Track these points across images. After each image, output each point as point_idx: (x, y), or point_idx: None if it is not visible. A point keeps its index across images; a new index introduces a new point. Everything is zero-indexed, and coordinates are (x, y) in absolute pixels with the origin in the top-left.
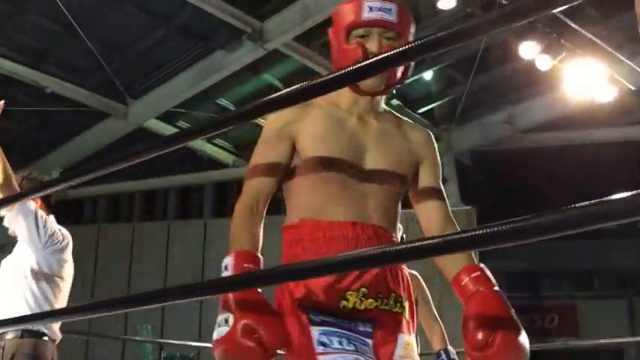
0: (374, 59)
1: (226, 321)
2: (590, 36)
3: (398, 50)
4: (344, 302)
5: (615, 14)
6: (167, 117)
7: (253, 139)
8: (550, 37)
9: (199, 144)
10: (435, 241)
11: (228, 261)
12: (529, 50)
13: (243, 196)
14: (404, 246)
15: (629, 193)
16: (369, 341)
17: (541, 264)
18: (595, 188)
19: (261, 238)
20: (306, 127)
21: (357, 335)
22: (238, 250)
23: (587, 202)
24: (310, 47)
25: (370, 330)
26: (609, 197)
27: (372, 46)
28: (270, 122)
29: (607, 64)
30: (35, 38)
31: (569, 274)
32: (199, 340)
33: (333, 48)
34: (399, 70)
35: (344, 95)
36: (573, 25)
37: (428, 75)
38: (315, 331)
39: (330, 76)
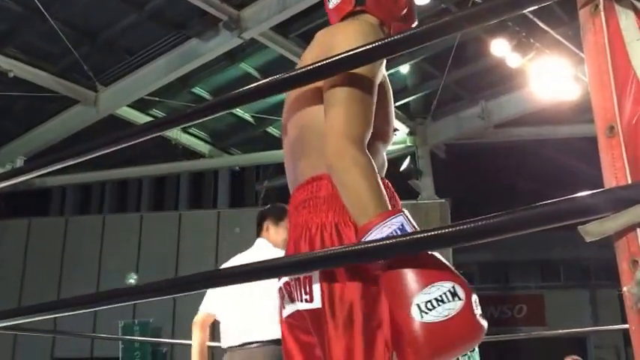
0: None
1: (453, 293)
2: (557, 36)
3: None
4: None
5: None
6: (140, 105)
7: (229, 129)
8: (520, 35)
9: (174, 133)
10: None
11: (401, 220)
12: (500, 48)
13: (361, 140)
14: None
15: (594, 192)
16: None
17: (510, 255)
18: (562, 181)
19: None
20: (384, 85)
21: None
22: (397, 210)
23: (556, 200)
24: (288, 37)
25: None
26: (577, 195)
27: None
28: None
29: (572, 63)
30: None
31: (537, 265)
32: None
33: None
34: None
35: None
36: (542, 25)
37: (404, 69)
38: None
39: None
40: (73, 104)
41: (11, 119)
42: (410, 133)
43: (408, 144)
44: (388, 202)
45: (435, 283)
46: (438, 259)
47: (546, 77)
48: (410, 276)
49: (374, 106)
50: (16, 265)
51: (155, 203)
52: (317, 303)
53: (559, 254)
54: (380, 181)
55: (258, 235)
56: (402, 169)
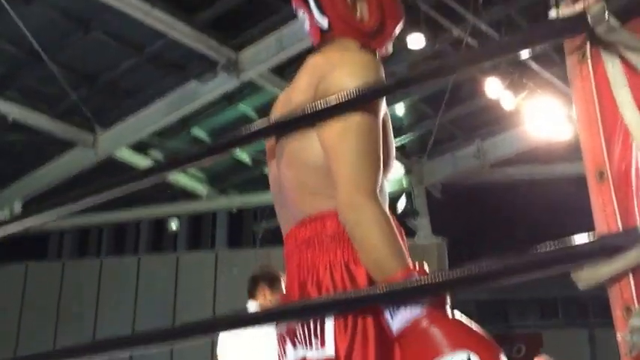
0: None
1: None
2: (549, 76)
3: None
4: None
5: None
6: (139, 147)
7: (228, 171)
8: (512, 75)
9: (172, 174)
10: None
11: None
12: (493, 87)
13: (374, 190)
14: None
15: (587, 239)
16: None
17: (509, 293)
18: (557, 219)
19: None
20: (384, 118)
21: None
22: (419, 267)
23: (553, 246)
24: (285, 78)
25: None
26: (573, 240)
27: None
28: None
29: (565, 103)
30: None
31: (536, 304)
32: None
33: None
34: None
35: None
36: (534, 66)
37: (399, 109)
38: None
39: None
40: (71, 147)
41: (9, 162)
42: (406, 173)
43: (404, 184)
44: (406, 254)
45: (447, 355)
46: (458, 323)
47: (540, 117)
48: (423, 344)
49: (381, 147)
50: (13, 310)
51: (153, 245)
52: (330, 350)
53: (557, 292)
54: (397, 232)
55: (252, 296)
56: (398, 208)
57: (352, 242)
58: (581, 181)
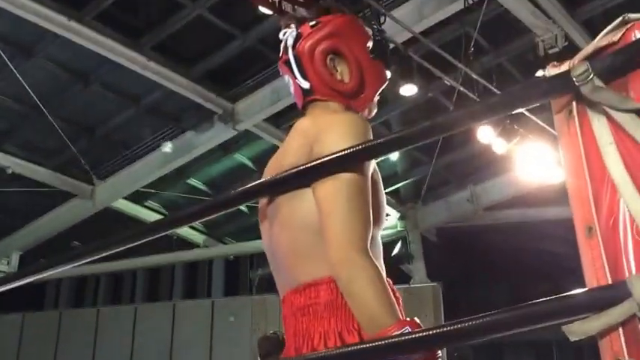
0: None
1: None
2: (540, 122)
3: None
4: None
5: None
6: (136, 197)
7: (224, 219)
8: (504, 122)
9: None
10: None
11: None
12: (485, 134)
13: (366, 246)
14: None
15: (576, 292)
16: None
17: (505, 336)
18: (549, 262)
19: None
20: (373, 175)
21: None
22: (411, 321)
23: (544, 300)
24: (279, 127)
25: None
26: (563, 295)
27: None
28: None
29: (555, 147)
30: None
31: (531, 347)
32: None
33: (351, 61)
34: None
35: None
36: (525, 112)
37: (394, 156)
38: None
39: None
40: (69, 198)
41: (7, 214)
42: (401, 218)
43: (399, 229)
44: (398, 308)
45: None
46: None
47: (531, 162)
48: None
49: (370, 203)
50: None
51: (150, 294)
52: None
53: (552, 335)
54: (388, 286)
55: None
56: (393, 253)
57: (346, 298)
58: (572, 225)
